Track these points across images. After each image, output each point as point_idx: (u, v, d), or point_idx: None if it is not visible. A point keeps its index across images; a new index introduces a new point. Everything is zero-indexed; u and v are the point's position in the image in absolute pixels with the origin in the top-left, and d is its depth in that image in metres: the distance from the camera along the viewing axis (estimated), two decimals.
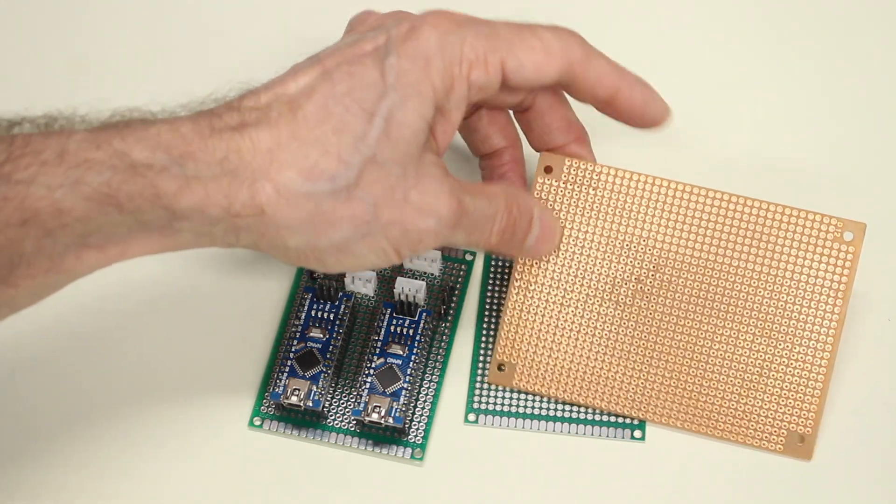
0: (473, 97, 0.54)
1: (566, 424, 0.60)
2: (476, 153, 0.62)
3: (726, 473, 0.59)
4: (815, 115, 0.68)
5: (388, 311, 0.61)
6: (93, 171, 0.47)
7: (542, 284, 0.59)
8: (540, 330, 0.59)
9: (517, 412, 0.60)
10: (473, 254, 0.63)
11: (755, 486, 0.58)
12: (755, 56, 0.70)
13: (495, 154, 0.61)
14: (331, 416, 0.59)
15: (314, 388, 0.59)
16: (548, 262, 0.59)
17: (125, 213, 0.48)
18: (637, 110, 0.58)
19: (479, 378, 0.61)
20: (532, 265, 0.59)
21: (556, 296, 0.59)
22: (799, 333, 0.58)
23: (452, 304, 0.62)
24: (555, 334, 0.59)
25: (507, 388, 0.60)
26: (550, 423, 0.60)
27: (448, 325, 0.62)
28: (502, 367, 0.60)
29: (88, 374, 0.60)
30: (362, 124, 0.51)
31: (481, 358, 0.61)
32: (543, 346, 0.59)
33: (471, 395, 0.60)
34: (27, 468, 0.58)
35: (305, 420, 0.59)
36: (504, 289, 0.62)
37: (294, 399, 0.58)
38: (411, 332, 0.60)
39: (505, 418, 0.60)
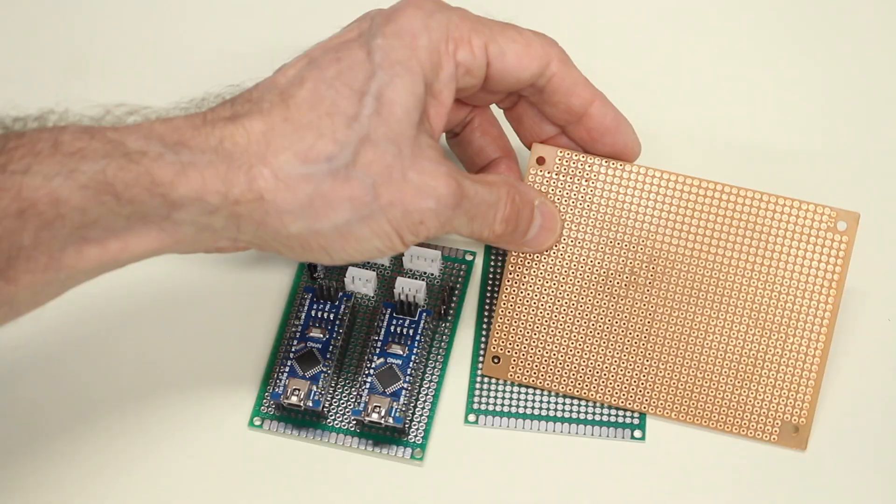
0: (461, 79, 0.55)
1: (566, 424, 0.59)
2: (472, 169, 0.62)
3: (727, 473, 0.58)
4: (810, 105, 0.68)
5: (388, 311, 0.61)
6: (87, 160, 0.48)
7: (536, 276, 0.60)
8: (534, 322, 0.59)
9: (517, 412, 0.60)
10: (473, 253, 0.63)
11: (756, 487, 0.58)
12: (748, 44, 0.70)
13: (492, 165, 0.61)
14: (331, 416, 0.60)
15: (314, 387, 0.59)
16: (541, 253, 0.59)
17: (123, 202, 0.48)
18: (609, 130, 0.58)
19: (479, 378, 0.61)
20: (526, 256, 0.59)
21: (549, 288, 0.59)
22: (793, 324, 0.58)
23: (452, 304, 0.62)
24: (549, 327, 0.59)
25: (507, 389, 0.60)
26: (550, 424, 0.60)
27: (448, 325, 0.62)
28: (497, 360, 0.60)
29: (88, 375, 0.61)
30: (353, 105, 0.51)
31: (481, 358, 0.61)
32: (538, 339, 0.59)
33: (471, 395, 0.60)
34: (26, 467, 0.58)
35: (305, 420, 0.59)
36: None
37: (294, 399, 0.59)
38: (411, 332, 0.60)
39: (505, 418, 0.60)
